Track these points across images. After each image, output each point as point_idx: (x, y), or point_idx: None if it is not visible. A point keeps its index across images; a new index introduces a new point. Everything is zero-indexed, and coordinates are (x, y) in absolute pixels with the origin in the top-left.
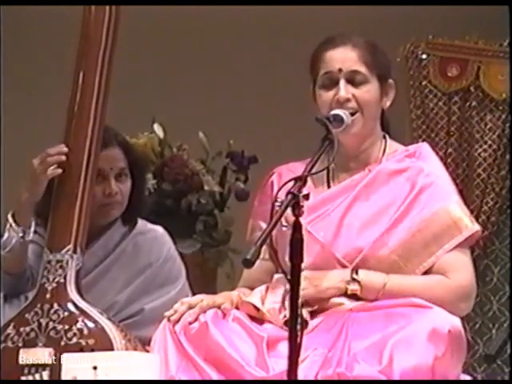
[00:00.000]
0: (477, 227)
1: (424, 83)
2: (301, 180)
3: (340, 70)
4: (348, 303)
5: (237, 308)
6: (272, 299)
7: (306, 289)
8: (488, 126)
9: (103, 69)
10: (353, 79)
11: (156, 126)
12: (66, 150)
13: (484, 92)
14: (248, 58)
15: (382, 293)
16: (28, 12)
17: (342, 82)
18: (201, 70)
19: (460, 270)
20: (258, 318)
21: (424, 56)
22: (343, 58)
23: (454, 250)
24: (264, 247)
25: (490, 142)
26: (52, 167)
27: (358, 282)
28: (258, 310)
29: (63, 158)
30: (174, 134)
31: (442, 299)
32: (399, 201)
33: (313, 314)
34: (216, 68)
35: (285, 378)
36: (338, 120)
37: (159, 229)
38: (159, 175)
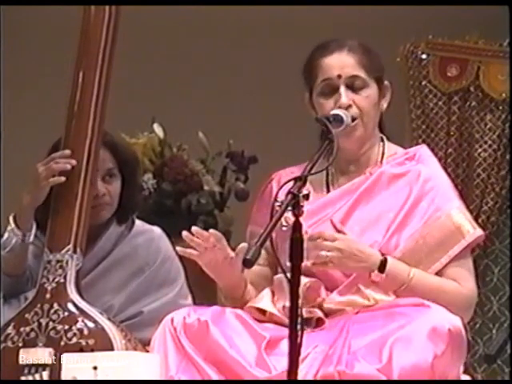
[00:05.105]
0: (479, 232)
1: (424, 83)
2: (300, 180)
3: (339, 76)
4: (351, 309)
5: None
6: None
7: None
8: (488, 126)
9: (103, 68)
10: (352, 84)
11: (156, 126)
12: (72, 162)
13: (484, 92)
14: (248, 57)
15: (406, 286)
16: (28, 12)
17: (343, 89)
18: (201, 70)
19: (468, 279)
20: (263, 320)
21: (424, 56)
22: (341, 63)
23: (459, 257)
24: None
25: (490, 142)
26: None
27: (383, 271)
28: (264, 313)
29: (68, 167)
30: (174, 134)
31: (452, 304)
32: (399, 206)
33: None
34: (216, 68)
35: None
36: (338, 120)
37: (157, 229)
38: (159, 175)
